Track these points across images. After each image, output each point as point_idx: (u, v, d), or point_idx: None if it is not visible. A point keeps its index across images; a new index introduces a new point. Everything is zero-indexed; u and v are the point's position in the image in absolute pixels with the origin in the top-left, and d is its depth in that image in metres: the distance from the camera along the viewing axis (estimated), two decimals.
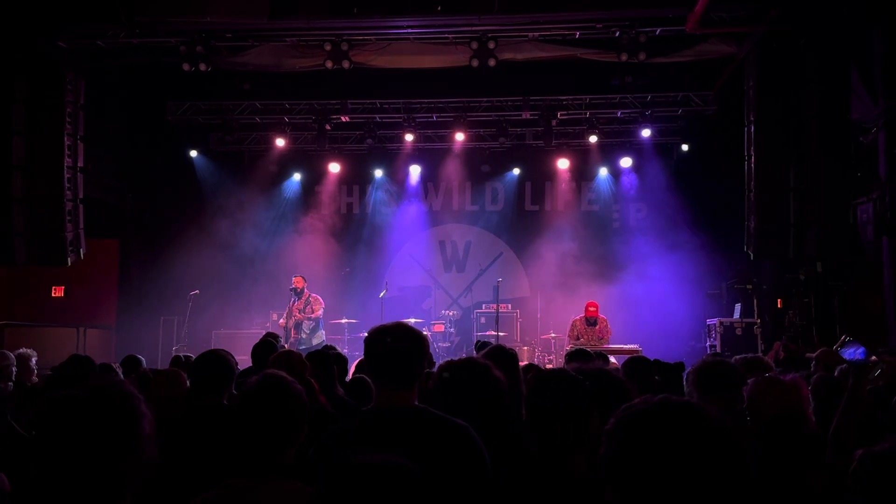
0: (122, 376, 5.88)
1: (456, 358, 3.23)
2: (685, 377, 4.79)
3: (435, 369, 3.19)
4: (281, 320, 12.12)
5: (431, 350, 7.07)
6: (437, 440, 2.56)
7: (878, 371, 3.39)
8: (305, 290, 12.07)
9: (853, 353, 3.39)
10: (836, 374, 4.51)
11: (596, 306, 11.94)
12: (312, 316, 11.90)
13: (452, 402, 2.87)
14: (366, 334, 2.81)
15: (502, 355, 3.80)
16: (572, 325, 12.06)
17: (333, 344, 9.13)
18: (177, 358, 6.65)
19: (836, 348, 3.50)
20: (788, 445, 3.32)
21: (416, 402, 2.73)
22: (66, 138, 10.62)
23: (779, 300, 12.63)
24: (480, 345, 7.06)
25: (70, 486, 1.72)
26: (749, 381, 3.77)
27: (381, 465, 1.49)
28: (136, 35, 10.56)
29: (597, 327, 11.85)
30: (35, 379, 6.69)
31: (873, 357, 3.43)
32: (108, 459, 1.74)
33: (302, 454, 2.54)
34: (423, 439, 2.53)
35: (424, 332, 2.92)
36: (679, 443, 1.42)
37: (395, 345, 2.70)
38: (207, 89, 13.22)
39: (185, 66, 10.72)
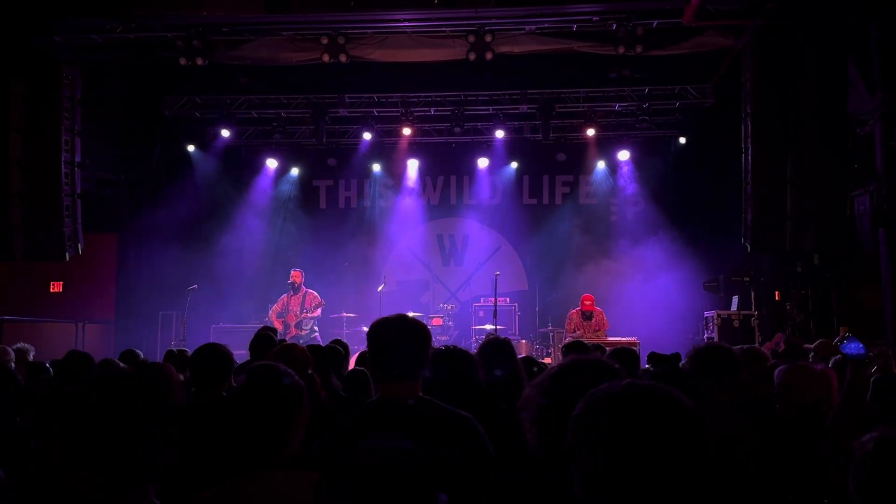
0: None
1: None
2: (681, 367, 4.79)
3: None
4: (272, 313, 12.08)
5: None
6: (442, 431, 2.58)
7: (875, 367, 3.42)
8: (302, 287, 12.09)
9: (853, 348, 3.40)
10: (830, 364, 4.53)
11: (591, 299, 12.00)
12: (312, 315, 11.92)
13: (440, 395, 2.88)
14: (368, 327, 2.81)
15: (497, 345, 3.82)
16: (569, 319, 12.12)
17: (331, 338, 9.14)
18: (170, 352, 6.66)
19: (836, 343, 3.52)
20: (815, 434, 3.33)
21: (421, 394, 2.74)
22: (63, 133, 10.61)
23: (776, 292, 12.64)
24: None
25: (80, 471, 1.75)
26: (779, 369, 3.78)
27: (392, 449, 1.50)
28: (133, 30, 10.55)
29: (592, 320, 11.91)
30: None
31: (871, 353, 3.45)
32: (116, 448, 1.76)
33: (306, 449, 2.55)
34: (427, 430, 2.55)
35: None
36: (650, 425, 1.42)
37: (398, 336, 2.71)
38: (204, 84, 13.21)
39: (182, 61, 10.71)
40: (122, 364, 5.87)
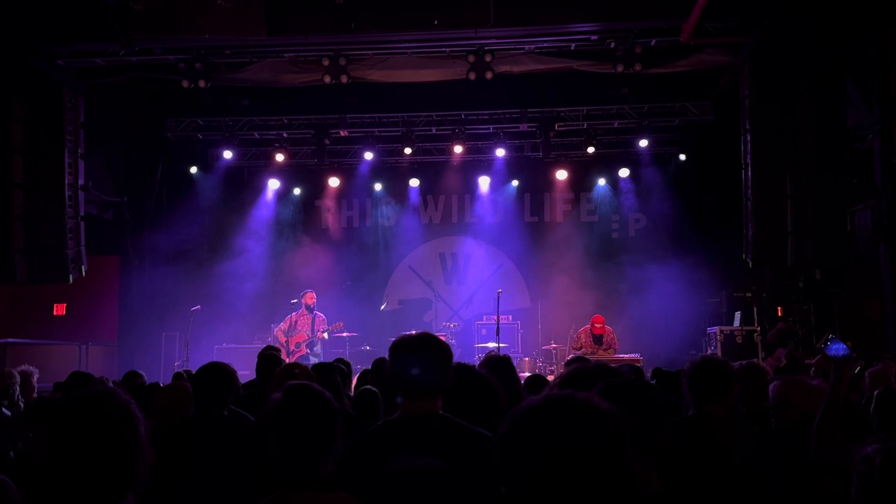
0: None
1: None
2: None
3: None
4: (278, 331, 12.05)
5: None
6: (465, 448, 2.57)
7: (858, 368, 3.44)
8: (315, 309, 12.11)
9: (835, 349, 3.43)
10: (813, 364, 4.53)
11: (602, 321, 11.94)
12: (320, 337, 11.91)
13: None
14: (370, 346, 2.82)
15: (497, 363, 3.83)
16: (577, 337, 12.04)
17: (334, 357, 9.14)
18: (178, 374, 6.69)
19: (820, 345, 3.56)
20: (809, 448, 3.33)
21: (441, 412, 2.73)
22: (66, 156, 10.67)
23: (779, 308, 12.63)
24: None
25: (77, 485, 1.77)
26: (774, 383, 3.78)
27: (423, 470, 1.52)
28: (135, 53, 10.63)
29: (603, 342, 11.85)
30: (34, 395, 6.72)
31: (854, 354, 3.47)
32: (108, 460, 1.79)
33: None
34: (450, 447, 2.54)
35: None
36: (558, 432, 1.42)
37: (421, 354, 2.73)
38: (206, 106, 13.30)
39: (185, 83, 10.78)
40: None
